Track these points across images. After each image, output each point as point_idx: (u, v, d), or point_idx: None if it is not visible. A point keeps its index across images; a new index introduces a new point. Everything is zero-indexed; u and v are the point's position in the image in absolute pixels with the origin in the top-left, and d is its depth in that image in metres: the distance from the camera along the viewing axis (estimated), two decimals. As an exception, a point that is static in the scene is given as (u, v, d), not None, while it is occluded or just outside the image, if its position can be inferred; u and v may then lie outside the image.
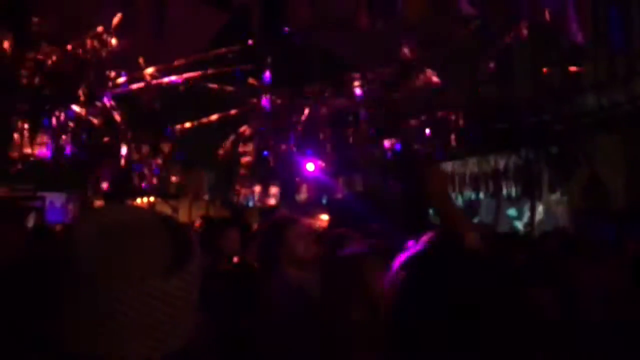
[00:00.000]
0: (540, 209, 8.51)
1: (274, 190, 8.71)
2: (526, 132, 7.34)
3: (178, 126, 7.14)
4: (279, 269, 2.67)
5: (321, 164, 8.26)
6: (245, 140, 7.57)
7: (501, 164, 8.05)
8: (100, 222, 0.82)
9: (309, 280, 2.65)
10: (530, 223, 8.23)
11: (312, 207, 9.86)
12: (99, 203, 10.24)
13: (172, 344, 0.81)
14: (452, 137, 7.07)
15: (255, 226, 6.34)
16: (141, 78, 6.38)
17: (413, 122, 7.09)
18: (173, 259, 0.81)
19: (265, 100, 6.69)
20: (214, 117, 7.19)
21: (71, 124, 6.54)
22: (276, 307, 2.50)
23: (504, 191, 8.14)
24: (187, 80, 6.38)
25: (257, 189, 8.63)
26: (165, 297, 0.79)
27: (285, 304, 2.49)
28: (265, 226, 3.13)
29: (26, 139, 7.09)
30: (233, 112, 7.19)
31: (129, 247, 0.80)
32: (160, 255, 0.81)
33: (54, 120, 6.74)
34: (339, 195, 9.23)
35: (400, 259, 1.12)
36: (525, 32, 5.61)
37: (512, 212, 9.01)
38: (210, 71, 6.13)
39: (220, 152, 7.88)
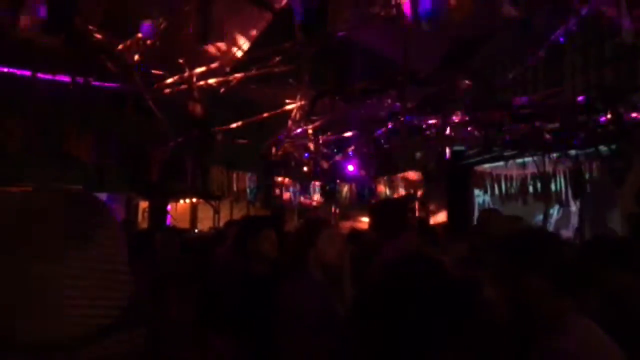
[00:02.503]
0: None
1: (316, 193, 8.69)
2: (577, 133, 7.07)
3: (220, 128, 7.19)
4: (307, 273, 2.62)
5: (363, 165, 8.18)
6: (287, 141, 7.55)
7: (550, 165, 7.78)
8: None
9: (335, 288, 2.60)
10: (580, 227, 7.93)
11: (353, 208, 9.80)
12: (143, 204, 10.50)
13: (94, 321, 0.79)
14: (499, 138, 6.87)
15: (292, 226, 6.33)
16: (184, 80, 6.46)
17: (459, 123, 6.93)
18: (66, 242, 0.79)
19: (306, 102, 6.67)
20: (256, 118, 7.21)
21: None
22: (299, 312, 2.44)
23: (553, 193, 7.87)
24: (229, 81, 6.42)
25: (298, 189, 8.65)
26: (60, 280, 0.77)
27: (310, 310, 2.44)
28: (298, 229, 3.10)
29: (73, 140, 7.28)
30: (275, 113, 7.19)
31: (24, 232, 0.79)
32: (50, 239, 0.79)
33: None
34: (380, 197, 9.13)
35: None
36: (574, 28, 5.39)
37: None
38: (252, 72, 6.13)
39: (262, 152, 7.91)
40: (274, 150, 7.84)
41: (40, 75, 6.21)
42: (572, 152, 7.52)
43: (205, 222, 10.85)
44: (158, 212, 8.52)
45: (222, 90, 6.49)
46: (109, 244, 0.83)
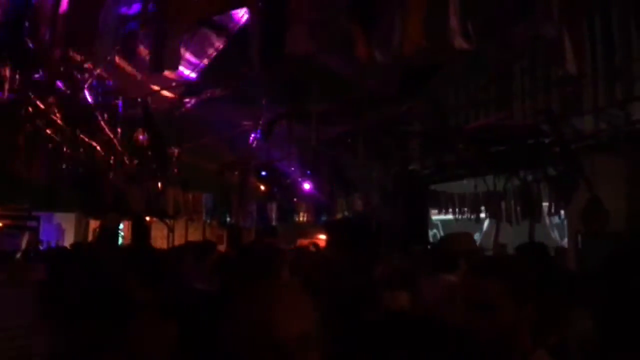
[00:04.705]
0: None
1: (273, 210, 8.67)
2: (524, 154, 7.32)
3: (177, 148, 7.11)
4: None
5: (321, 184, 8.22)
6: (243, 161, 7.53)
7: (500, 185, 8.01)
8: None
9: None
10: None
11: (311, 227, 9.83)
12: (93, 223, 10.21)
13: None
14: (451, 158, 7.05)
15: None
16: (140, 100, 6.36)
17: (412, 143, 7.07)
18: None
19: (262, 122, 6.67)
20: (213, 138, 7.17)
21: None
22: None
23: (504, 213, 8.09)
24: (184, 102, 6.36)
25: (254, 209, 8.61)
26: None
27: None
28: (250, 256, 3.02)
29: (23, 160, 7.06)
30: (232, 133, 7.17)
31: None
32: None
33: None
34: (338, 216, 9.19)
35: None
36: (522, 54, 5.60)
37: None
38: (206, 95, 6.10)
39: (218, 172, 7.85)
40: (230, 169, 7.79)
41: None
42: (521, 172, 7.76)
43: (159, 241, 10.63)
44: (110, 232, 8.30)
45: (183, 108, 6.42)
46: None
